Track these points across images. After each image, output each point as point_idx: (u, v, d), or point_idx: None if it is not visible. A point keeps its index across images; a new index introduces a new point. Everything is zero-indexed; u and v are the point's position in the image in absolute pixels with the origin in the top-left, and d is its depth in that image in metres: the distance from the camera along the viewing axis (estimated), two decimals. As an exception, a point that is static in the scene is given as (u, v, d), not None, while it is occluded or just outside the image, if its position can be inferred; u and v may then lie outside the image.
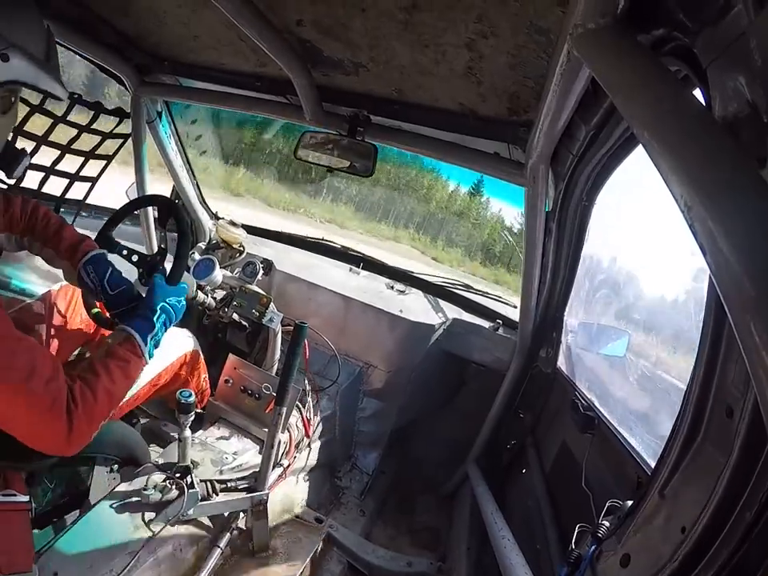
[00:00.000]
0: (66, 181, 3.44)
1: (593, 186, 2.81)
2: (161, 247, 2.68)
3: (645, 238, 3.56)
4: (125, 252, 2.62)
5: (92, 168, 3.54)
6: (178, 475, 2.38)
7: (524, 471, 3.82)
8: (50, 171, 3.25)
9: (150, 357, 2.14)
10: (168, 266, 2.50)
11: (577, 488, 2.69)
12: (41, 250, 2.41)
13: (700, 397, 1.34)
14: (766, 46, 0.86)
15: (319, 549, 3.07)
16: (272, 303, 3.35)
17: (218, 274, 3.56)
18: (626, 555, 1.56)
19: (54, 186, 3.41)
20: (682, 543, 1.26)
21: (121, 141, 3.61)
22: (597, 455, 2.75)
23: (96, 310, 2.55)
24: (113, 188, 4.07)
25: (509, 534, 2.82)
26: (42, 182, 3.29)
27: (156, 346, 2.18)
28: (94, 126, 3.33)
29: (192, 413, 2.37)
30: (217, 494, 2.47)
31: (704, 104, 1.08)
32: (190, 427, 2.41)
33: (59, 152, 3.25)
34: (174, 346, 2.90)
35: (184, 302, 2.39)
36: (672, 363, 3.07)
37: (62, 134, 3.22)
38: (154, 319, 2.18)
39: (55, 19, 2.67)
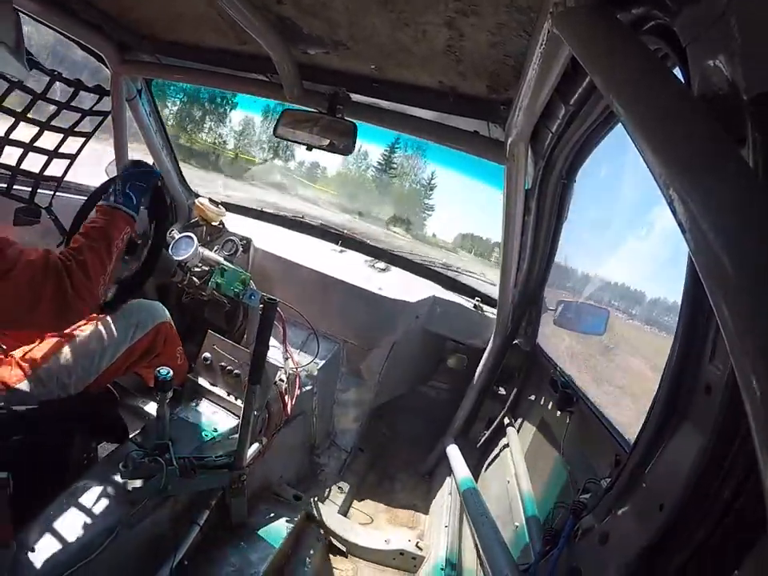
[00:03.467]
0: (45, 158, 3.40)
1: (572, 164, 2.82)
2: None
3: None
4: None
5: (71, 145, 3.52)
6: (156, 452, 2.37)
7: (502, 448, 3.84)
8: (28, 148, 3.22)
9: (129, 206, 2.47)
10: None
11: (555, 465, 2.70)
12: None
13: (678, 374, 1.34)
14: (747, 25, 0.86)
15: (297, 526, 3.09)
16: (251, 281, 3.35)
17: (198, 252, 3.54)
18: (604, 532, 1.57)
19: (32, 163, 3.37)
20: (660, 520, 1.27)
21: (100, 118, 3.58)
22: (575, 433, 2.77)
23: None
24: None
25: (487, 511, 2.84)
26: (21, 159, 3.25)
27: (128, 198, 2.49)
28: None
29: (170, 390, 2.37)
30: (195, 471, 2.47)
31: (683, 83, 1.08)
32: (168, 404, 2.41)
33: (38, 128, 3.21)
34: (148, 318, 2.89)
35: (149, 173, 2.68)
36: None
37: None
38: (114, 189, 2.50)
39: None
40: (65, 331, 2.57)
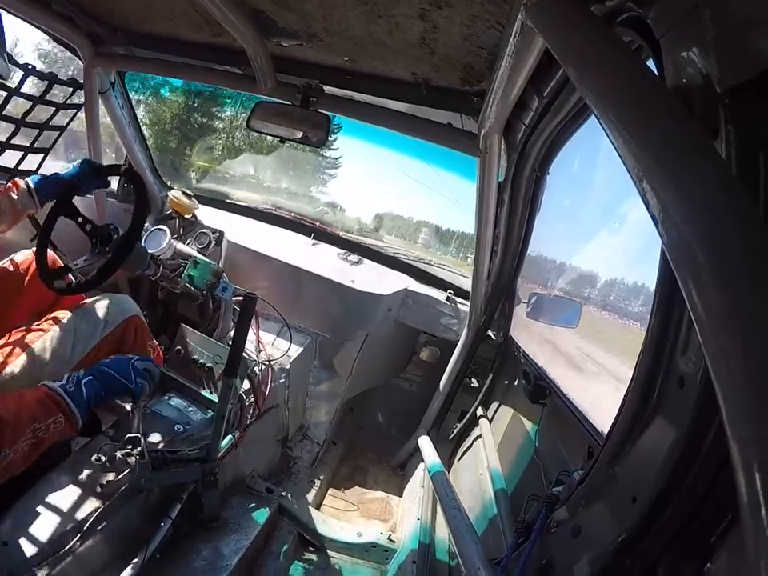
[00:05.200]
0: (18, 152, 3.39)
1: (545, 157, 2.83)
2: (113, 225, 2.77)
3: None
4: (80, 220, 2.65)
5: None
6: (128, 446, 2.36)
7: (475, 440, 3.85)
8: (5, 146, 3.21)
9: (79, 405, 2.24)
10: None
11: (528, 457, 2.71)
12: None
13: (651, 366, 1.34)
14: (720, 16, 0.86)
15: (270, 519, 3.08)
16: (224, 274, 3.33)
17: (171, 245, 3.53)
18: (576, 525, 1.57)
19: (7, 158, 3.35)
20: (632, 513, 1.27)
21: (74, 111, 3.56)
22: (548, 425, 2.78)
23: (59, 282, 2.58)
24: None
25: (459, 504, 2.84)
26: (-5, 156, 3.24)
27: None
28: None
29: None
30: (167, 465, 2.45)
31: (657, 75, 1.08)
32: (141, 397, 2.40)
33: (12, 125, 3.20)
34: (117, 312, 2.86)
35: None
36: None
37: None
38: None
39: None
40: (32, 327, 2.55)
